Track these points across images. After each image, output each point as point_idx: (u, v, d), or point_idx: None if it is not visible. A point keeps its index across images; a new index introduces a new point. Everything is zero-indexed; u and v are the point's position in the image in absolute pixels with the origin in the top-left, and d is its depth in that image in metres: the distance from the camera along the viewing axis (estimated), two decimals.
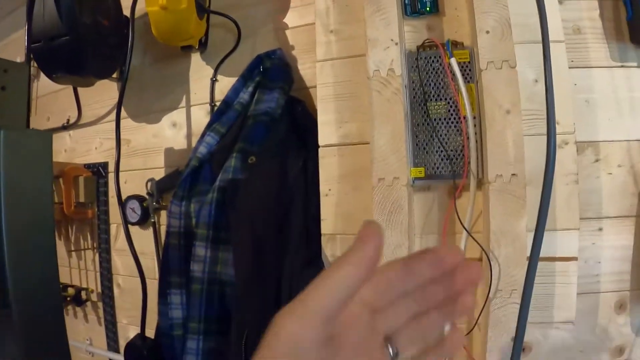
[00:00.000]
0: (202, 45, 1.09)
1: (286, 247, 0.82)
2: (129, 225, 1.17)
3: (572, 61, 0.82)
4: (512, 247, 0.68)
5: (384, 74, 0.69)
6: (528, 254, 0.69)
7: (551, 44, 0.74)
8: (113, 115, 1.26)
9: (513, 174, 0.67)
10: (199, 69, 1.13)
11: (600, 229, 0.84)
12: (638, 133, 0.84)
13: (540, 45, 0.72)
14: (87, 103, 1.29)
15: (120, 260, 1.23)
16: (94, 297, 1.28)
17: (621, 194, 0.84)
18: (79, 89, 1.28)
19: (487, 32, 0.67)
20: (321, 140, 0.82)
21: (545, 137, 0.73)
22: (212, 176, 0.90)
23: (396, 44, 0.69)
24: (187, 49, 1.09)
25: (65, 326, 0.85)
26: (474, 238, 0.71)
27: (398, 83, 0.69)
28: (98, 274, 1.27)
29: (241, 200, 0.83)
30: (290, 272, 0.80)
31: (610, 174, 0.84)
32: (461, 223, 0.73)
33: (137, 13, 1.22)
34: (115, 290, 1.24)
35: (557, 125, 0.75)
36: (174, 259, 0.89)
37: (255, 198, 0.84)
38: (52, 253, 0.82)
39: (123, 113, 1.24)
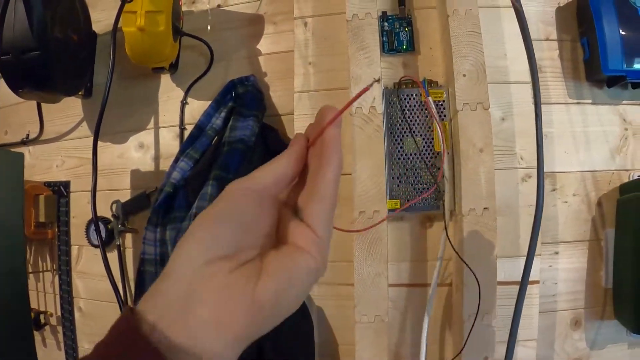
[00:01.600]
0: (173, 67, 1.08)
1: None
2: (93, 247, 1.15)
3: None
4: (483, 274, 0.73)
5: (365, 111, 0.72)
6: (498, 280, 0.75)
7: (518, 85, 0.80)
8: (76, 133, 1.22)
9: (485, 208, 0.72)
10: (169, 90, 1.12)
11: (557, 253, 0.91)
12: (591, 164, 0.91)
13: (508, 86, 0.78)
14: (49, 118, 1.24)
15: (82, 283, 1.20)
16: (53, 320, 1.24)
17: (575, 220, 0.91)
18: (42, 104, 1.23)
19: (464, 75, 0.71)
20: None
21: (512, 171, 0.79)
22: (187, 202, 0.90)
23: (378, 82, 0.72)
24: (158, 70, 1.07)
25: (36, 350, 0.83)
26: (463, 259, 0.75)
27: (380, 120, 0.72)
28: (57, 297, 1.23)
29: None
30: None
31: (566, 202, 0.91)
32: (451, 245, 0.77)
33: (106, 28, 1.20)
34: (77, 314, 1.21)
35: (521, 160, 0.81)
36: (149, 287, 0.88)
37: None
38: (22, 278, 0.79)
39: (87, 131, 1.22)
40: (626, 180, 0.91)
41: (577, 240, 0.91)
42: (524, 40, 0.55)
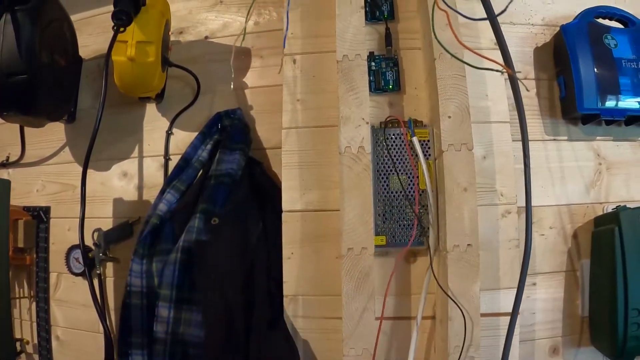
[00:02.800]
0: (159, 96, 1.08)
1: (252, 308, 0.84)
2: (72, 275, 1.14)
3: (512, 135, 0.91)
4: (467, 307, 0.75)
5: (354, 151, 0.74)
6: (481, 312, 0.77)
7: (498, 124, 0.83)
8: (58, 158, 1.21)
9: (469, 244, 0.74)
10: (154, 120, 1.12)
11: (535, 284, 0.94)
12: (567, 198, 0.95)
13: (489, 125, 0.81)
14: (30, 142, 1.23)
15: (61, 311, 1.18)
16: (29, 348, 1.21)
17: (552, 252, 0.94)
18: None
19: (449, 117, 0.74)
20: (285, 206, 0.85)
21: (492, 207, 0.82)
22: (174, 235, 0.90)
23: (367, 123, 0.75)
24: (145, 99, 1.08)
25: None
26: (448, 295, 0.77)
27: (367, 160, 0.74)
28: (34, 324, 1.21)
29: (209, 262, 0.84)
30: (257, 333, 0.82)
31: (543, 235, 0.94)
32: (436, 280, 0.79)
33: (92, 53, 1.19)
34: (54, 343, 1.18)
35: (501, 197, 0.84)
36: (135, 319, 0.88)
37: (223, 260, 0.85)
38: (5, 305, 0.77)
39: (69, 156, 1.20)
40: (600, 212, 0.95)
41: (554, 271, 0.94)
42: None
